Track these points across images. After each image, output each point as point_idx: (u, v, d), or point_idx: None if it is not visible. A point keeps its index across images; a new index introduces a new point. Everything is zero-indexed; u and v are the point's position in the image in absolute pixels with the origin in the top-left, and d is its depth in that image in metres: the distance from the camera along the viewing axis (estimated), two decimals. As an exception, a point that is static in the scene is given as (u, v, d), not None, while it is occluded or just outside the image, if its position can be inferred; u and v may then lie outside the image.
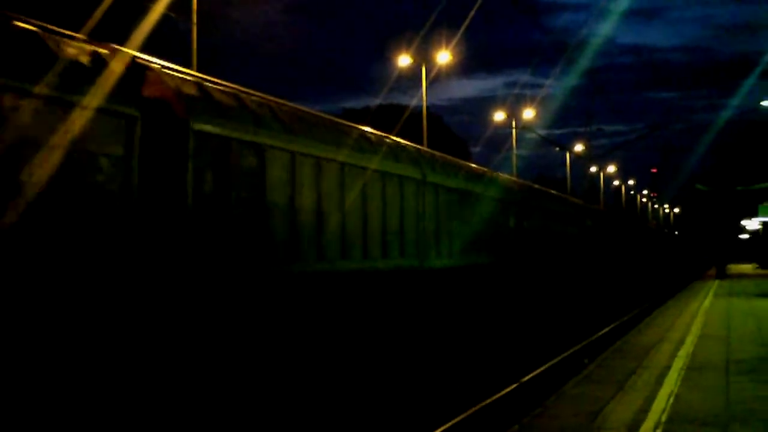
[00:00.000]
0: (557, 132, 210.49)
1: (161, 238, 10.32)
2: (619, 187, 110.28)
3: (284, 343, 12.57)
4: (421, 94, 42.77)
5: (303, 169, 13.50)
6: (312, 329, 13.42)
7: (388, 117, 41.47)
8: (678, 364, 15.81)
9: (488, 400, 15.08)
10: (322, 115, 16.35)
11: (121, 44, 10.69)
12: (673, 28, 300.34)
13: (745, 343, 18.88)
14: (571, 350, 22.11)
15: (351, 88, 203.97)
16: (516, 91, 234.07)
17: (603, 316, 30.73)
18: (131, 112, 9.86)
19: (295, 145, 13.29)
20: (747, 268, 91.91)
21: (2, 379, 8.03)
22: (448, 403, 14.59)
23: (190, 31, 25.24)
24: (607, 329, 27.70)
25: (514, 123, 59.92)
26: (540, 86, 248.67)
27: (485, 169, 25.42)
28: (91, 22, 13.90)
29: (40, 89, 8.58)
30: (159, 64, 11.11)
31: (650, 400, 12.17)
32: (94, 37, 10.22)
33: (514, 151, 61.67)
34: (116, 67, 9.80)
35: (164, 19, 21.50)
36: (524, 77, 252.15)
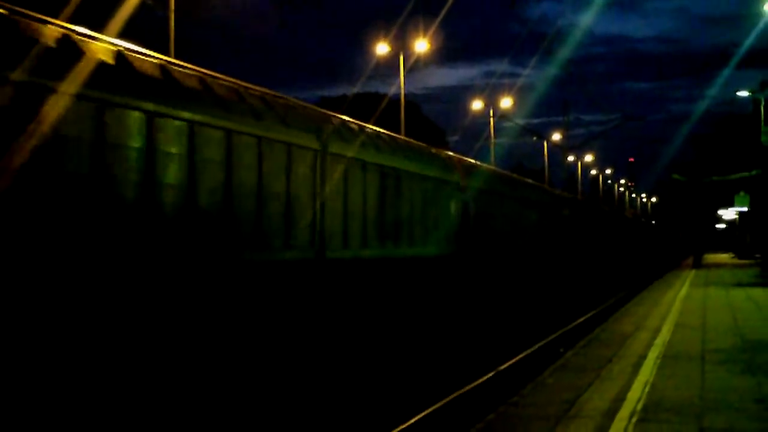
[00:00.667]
0: (535, 121, 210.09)
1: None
2: (596, 176, 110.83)
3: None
4: (399, 82, 42.83)
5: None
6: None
7: (366, 105, 41.36)
8: (654, 353, 15.92)
9: (464, 389, 15.13)
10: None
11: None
12: (649, 18, 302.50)
13: (721, 333, 19.02)
14: (548, 339, 22.22)
15: (329, 75, 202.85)
16: (494, 80, 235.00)
17: (580, 305, 30.88)
18: None
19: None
20: (723, 257, 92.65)
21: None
22: (423, 393, 14.58)
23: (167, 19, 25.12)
24: (584, 318, 27.86)
25: (491, 112, 60.14)
26: (518, 76, 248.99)
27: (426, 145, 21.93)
28: (68, 10, 13.68)
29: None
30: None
31: (626, 388, 12.25)
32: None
33: (493, 140, 61.94)
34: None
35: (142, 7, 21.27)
36: (503, 67, 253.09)
